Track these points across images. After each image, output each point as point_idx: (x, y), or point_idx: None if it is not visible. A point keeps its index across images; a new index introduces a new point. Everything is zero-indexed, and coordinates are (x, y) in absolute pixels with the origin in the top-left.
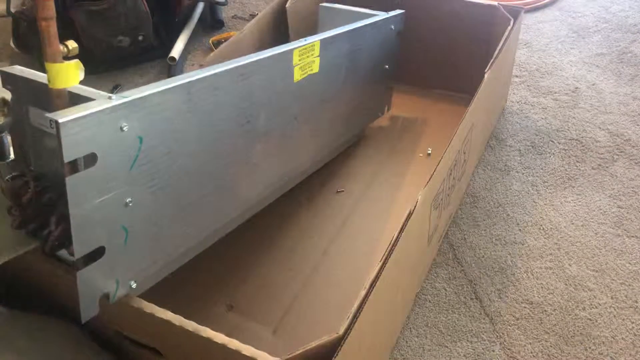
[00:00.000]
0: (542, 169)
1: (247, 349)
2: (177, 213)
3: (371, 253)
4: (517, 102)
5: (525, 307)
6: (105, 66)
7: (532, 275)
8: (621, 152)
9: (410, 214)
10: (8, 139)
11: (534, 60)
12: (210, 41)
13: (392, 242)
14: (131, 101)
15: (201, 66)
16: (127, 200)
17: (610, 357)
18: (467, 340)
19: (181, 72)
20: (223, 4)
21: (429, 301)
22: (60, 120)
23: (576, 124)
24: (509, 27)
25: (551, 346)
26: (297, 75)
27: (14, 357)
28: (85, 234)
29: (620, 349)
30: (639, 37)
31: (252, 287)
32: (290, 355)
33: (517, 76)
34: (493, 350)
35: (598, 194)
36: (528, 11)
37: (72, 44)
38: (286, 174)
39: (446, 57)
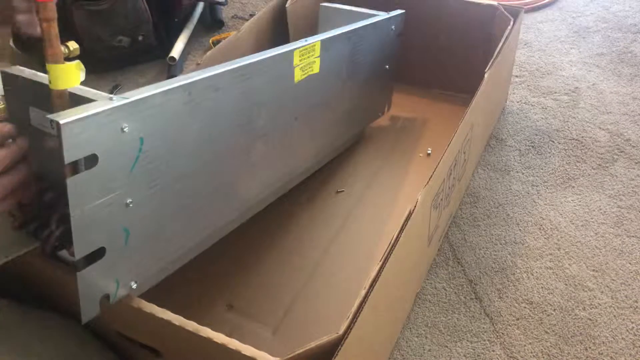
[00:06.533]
0: (542, 169)
1: (247, 349)
2: (177, 213)
3: (371, 253)
4: (517, 102)
5: (525, 307)
6: (105, 66)
7: (532, 275)
8: (621, 152)
9: (410, 214)
10: None
11: (534, 60)
12: (210, 41)
13: (392, 242)
14: (132, 102)
15: (197, 65)
16: (128, 201)
17: (610, 357)
18: (467, 340)
19: (181, 72)
20: (223, 4)
21: (429, 301)
22: (61, 122)
23: (576, 124)
24: (509, 27)
25: (551, 346)
26: (298, 76)
27: (18, 350)
28: (85, 234)
29: (620, 349)
30: (639, 37)
31: (252, 287)
32: (290, 355)
33: (517, 76)
34: (493, 350)
35: (598, 194)
36: (528, 11)
37: (73, 45)
38: (286, 174)
39: (446, 57)
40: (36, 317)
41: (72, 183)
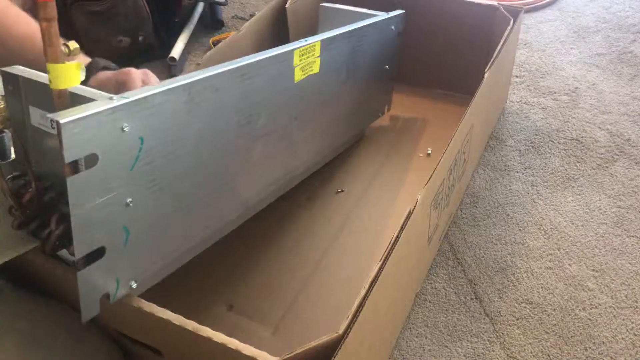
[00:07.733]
0: (542, 169)
1: (247, 349)
2: (177, 213)
3: (371, 253)
4: (517, 102)
5: (525, 307)
6: None
7: (532, 275)
8: (621, 152)
9: (410, 214)
10: (9, 138)
11: (534, 60)
12: (210, 41)
13: (392, 242)
14: (132, 102)
15: (197, 65)
16: (128, 201)
17: (610, 357)
18: (467, 340)
19: (181, 72)
20: (223, 4)
21: (429, 301)
22: (61, 121)
23: (576, 124)
24: (509, 27)
25: (551, 346)
26: (298, 76)
27: (14, 337)
28: (85, 234)
29: (620, 349)
30: (639, 37)
31: (252, 287)
32: (290, 355)
33: (517, 76)
34: (493, 350)
35: (598, 194)
36: (528, 11)
37: (73, 45)
38: (286, 174)
39: (446, 57)
40: (37, 302)
41: (72, 182)
